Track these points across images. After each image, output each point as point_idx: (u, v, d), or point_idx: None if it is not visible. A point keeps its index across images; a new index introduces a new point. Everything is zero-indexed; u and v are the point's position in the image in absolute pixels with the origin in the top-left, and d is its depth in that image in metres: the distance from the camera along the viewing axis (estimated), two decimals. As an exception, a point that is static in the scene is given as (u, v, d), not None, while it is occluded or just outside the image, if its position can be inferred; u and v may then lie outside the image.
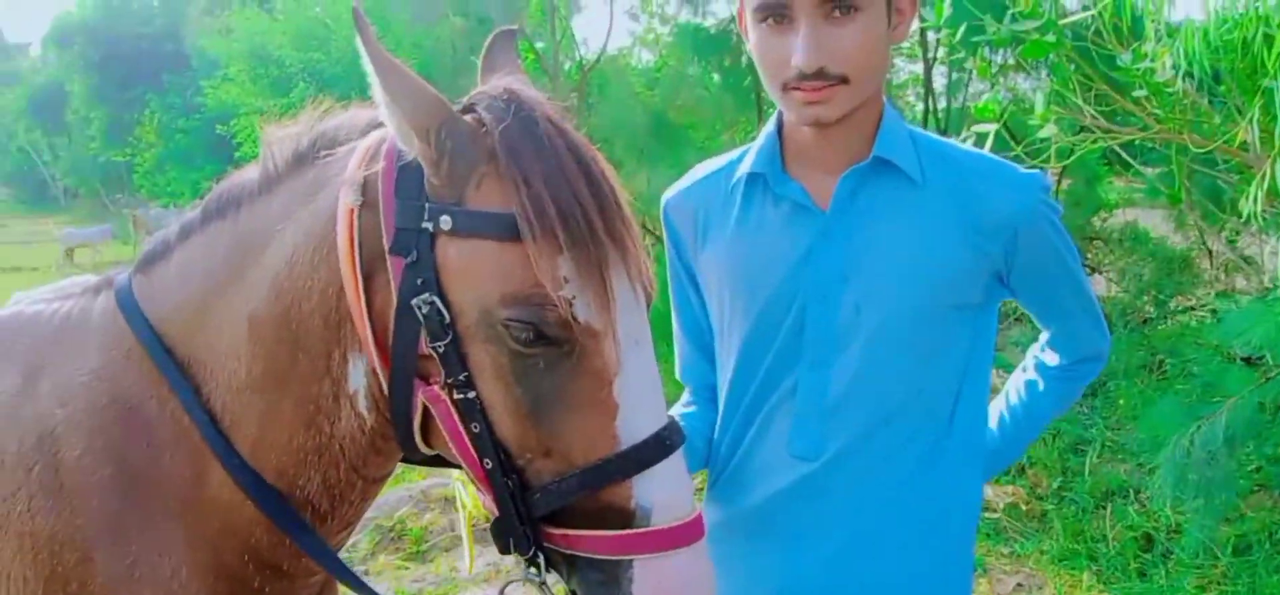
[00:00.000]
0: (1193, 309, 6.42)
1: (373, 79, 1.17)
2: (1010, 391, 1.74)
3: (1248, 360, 4.54)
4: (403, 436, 1.27)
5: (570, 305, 1.14)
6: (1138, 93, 3.17)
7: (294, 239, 1.30)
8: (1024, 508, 4.79)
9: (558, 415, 1.17)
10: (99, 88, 32.76)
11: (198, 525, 1.36)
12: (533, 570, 1.23)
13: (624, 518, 1.17)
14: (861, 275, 1.46)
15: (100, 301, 1.45)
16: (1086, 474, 4.98)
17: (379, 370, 1.24)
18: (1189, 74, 2.82)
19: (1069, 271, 1.55)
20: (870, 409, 1.48)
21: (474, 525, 1.53)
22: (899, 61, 9.98)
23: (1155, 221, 7.84)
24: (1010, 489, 4.91)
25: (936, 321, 1.48)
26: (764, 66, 1.41)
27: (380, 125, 1.30)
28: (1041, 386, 1.69)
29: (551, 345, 1.16)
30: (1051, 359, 1.68)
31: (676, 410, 1.69)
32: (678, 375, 1.76)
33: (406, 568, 4.65)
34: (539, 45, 13.62)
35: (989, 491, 4.89)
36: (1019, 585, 4.25)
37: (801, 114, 1.40)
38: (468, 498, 1.49)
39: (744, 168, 1.54)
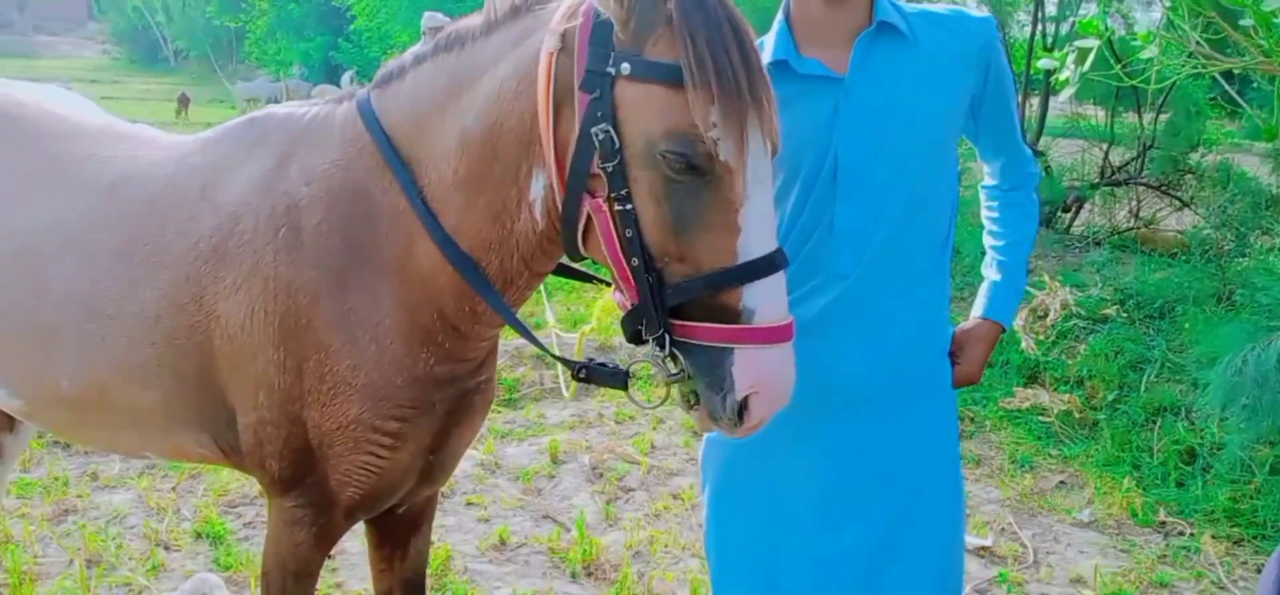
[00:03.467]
0: (1273, 248, 6.45)
1: None
2: (989, 236, 2.14)
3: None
4: (568, 238, 1.60)
5: (715, 144, 1.43)
6: (1245, 23, 3.21)
7: (503, 73, 1.63)
8: (1077, 415, 5.00)
9: (694, 230, 1.48)
10: (216, -47, 33.70)
11: (402, 286, 1.76)
12: (659, 348, 1.56)
13: (733, 315, 1.49)
14: (880, 121, 1.83)
15: (342, 109, 1.84)
16: (1142, 390, 5.16)
17: (555, 184, 1.57)
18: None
19: (1014, 96, 2.01)
20: (892, 228, 1.88)
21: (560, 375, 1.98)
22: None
23: (1253, 164, 7.81)
24: (1067, 397, 5.10)
25: (939, 151, 1.90)
26: None
27: None
28: (1008, 210, 2.10)
29: (697, 174, 1.45)
30: (1003, 183, 2.11)
31: None
32: None
33: (500, 412, 5.15)
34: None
35: (1045, 398, 5.13)
36: (1062, 483, 4.51)
37: None
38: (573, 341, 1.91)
39: (765, 57, 1.85)
